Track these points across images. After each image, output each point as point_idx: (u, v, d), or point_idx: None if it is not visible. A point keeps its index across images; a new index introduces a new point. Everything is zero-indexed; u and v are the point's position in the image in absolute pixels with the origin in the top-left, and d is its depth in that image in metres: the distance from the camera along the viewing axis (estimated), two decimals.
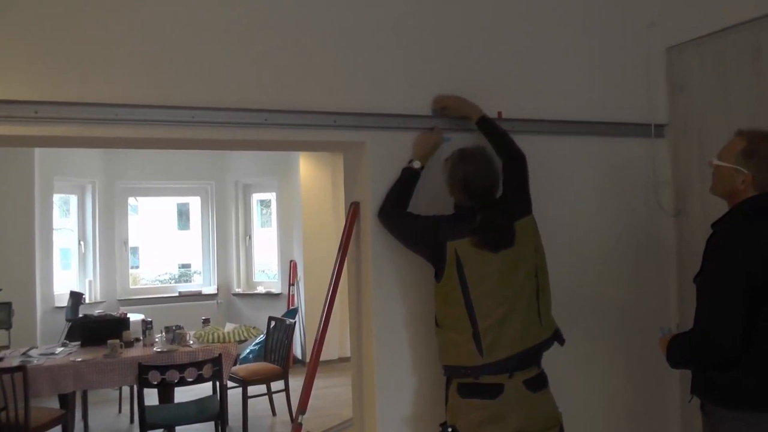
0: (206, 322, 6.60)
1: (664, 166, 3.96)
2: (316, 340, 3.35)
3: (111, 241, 8.91)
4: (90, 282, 8.67)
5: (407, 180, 3.14)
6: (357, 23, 3.24)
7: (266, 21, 3.08)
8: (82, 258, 8.67)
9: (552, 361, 2.99)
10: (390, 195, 3.14)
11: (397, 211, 3.10)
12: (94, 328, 5.90)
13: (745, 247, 2.38)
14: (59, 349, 5.64)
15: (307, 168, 8.96)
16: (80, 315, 6.83)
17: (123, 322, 6.09)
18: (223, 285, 9.52)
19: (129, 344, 5.77)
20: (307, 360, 3.33)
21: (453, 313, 2.88)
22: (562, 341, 2.99)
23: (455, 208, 3.05)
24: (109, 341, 5.46)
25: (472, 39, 3.48)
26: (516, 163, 3.11)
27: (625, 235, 3.83)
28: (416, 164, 3.14)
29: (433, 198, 3.18)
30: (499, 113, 3.39)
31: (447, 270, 2.87)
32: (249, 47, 3.03)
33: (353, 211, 3.33)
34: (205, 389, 5.99)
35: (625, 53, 3.90)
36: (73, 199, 8.70)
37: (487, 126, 3.20)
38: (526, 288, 2.87)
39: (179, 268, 9.93)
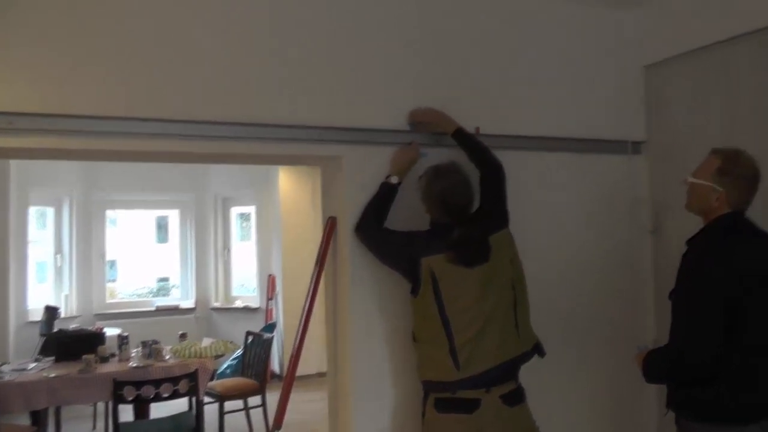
0: (183, 336, 6.55)
1: (642, 182, 4.00)
2: (292, 355, 3.33)
3: (88, 255, 8.81)
4: (66, 296, 8.57)
5: (384, 195, 3.14)
6: (335, 38, 3.25)
7: (245, 35, 3.08)
8: (59, 271, 8.57)
9: (530, 375, 2.99)
10: (367, 210, 3.14)
11: (373, 227, 3.10)
12: (68, 343, 5.83)
13: (720, 265, 2.42)
14: (32, 365, 5.55)
15: (286, 182, 8.94)
16: (55, 329, 6.73)
17: (98, 337, 6.02)
18: (201, 299, 9.45)
19: (104, 359, 5.71)
20: (285, 375, 3.32)
21: (429, 328, 2.87)
22: (542, 353, 2.98)
23: (431, 225, 3.05)
24: (84, 356, 5.40)
25: (450, 55, 3.50)
26: (493, 175, 3.11)
27: (603, 251, 3.85)
28: (393, 179, 3.14)
29: (410, 214, 3.17)
30: (477, 129, 3.40)
31: (422, 286, 2.87)
32: (228, 61, 3.03)
33: (330, 226, 3.32)
34: (181, 405, 5.91)
35: (604, 71, 3.94)
36: (50, 212, 8.60)
37: (463, 138, 3.21)
38: (502, 301, 2.87)
39: (157, 281, 9.84)
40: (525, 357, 2.92)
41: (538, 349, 2.97)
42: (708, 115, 3.62)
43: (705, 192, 2.56)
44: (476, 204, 3.03)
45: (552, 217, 3.68)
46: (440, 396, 2.83)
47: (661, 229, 3.93)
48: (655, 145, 3.98)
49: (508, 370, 2.85)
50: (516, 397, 2.86)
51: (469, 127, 3.32)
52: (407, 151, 3.22)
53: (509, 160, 3.33)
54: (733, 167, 2.53)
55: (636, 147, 3.99)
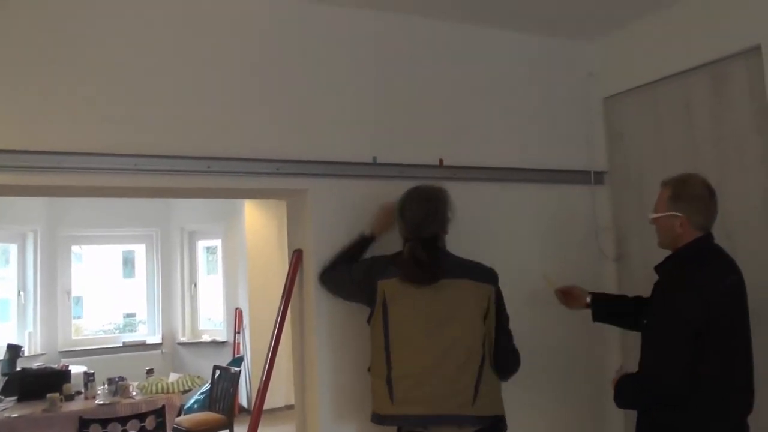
0: (150, 372, 6.47)
1: (605, 212, 4.07)
2: (259, 389, 3.32)
3: (53, 291, 8.67)
4: (30, 333, 8.39)
5: (356, 244, 3.11)
6: (300, 72, 3.29)
7: (209, 69, 3.11)
8: (22, 309, 8.41)
9: None
10: (336, 259, 3.12)
11: (340, 274, 3.05)
12: (32, 382, 5.73)
13: (688, 294, 2.48)
14: None
15: (252, 214, 8.92)
16: (18, 368, 6.61)
17: (63, 375, 5.94)
18: (168, 334, 9.33)
19: (70, 397, 5.62)
20: (253, 408, 3.32)
21: (376, 355, 2.80)
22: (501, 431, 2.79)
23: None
24: (49, 395, 5.31)
25: (414, 88, 3.55)
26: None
27: (568, 280, 3.88)
28: (367, 231, 3.12)
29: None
30: (441, 160, 3.45)
31: (375, 310, 2.79)
32: (192, 95, 3.05)
33: (296, 258, 3.33)
34: None
35: (565, 102, 4.02)
36: (13, 248, 8.46)
37: None
38: (462, 352, 2.70)
39: (124, 317, 9.70)
40: (474, 421, 2.69)
41: (495, 423, 2.76)
42: (667, 145, 3.71)
43: (667, 222, 2.64)
44: (437, 228, 2.84)
45: (516, 247, 3.72)
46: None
47: (624, 256, 4.00)
48: (617, 175, 4.06)
49: (451, 422, 2.68)
50: None
51: (433, 158, 3.38)
52: (389, 212, 3.07)
53: (472, 192, 3.39)
54: (684, 190, 2.62)
55: (598, 177, 4.06)
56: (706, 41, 3.44)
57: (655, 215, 2.69)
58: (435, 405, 2.65)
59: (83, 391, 5.84)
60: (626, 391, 2.65)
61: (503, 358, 2.82)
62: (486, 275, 2.84)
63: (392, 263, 2.83)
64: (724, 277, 2.56)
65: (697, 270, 2.53)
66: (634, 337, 3.66)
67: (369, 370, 2.88)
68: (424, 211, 2.82)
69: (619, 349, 3.97)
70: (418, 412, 2.67)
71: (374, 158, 3.36)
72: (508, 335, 2.88)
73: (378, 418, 2.78)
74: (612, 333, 3.98)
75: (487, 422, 2.71)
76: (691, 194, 2.62)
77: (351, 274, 2.99)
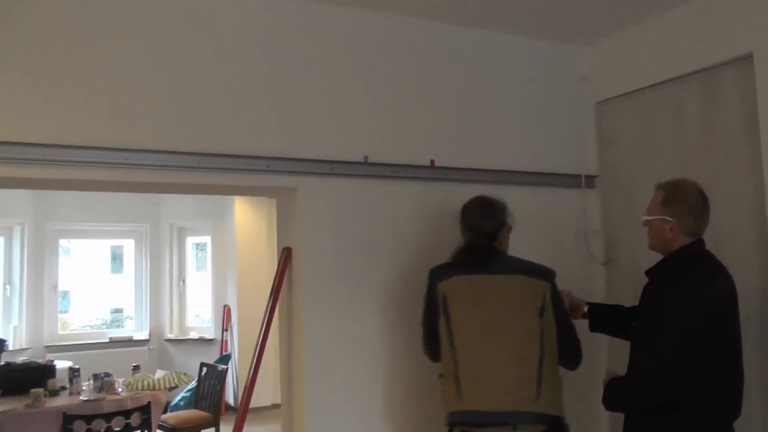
0: (136, 368, 6.42)
1: (595, 215, 4.08)
2: (246, 387, 3.31)
3: (39, 285, 8.60)
4: (15, 327, 8.34)
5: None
6: (292, 70, 3.28)
7: (201, 66, 3.09)
8: (8, 302, 8.35)
9: None
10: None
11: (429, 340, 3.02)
12: (15, 377, 5.67)
13: (678, 297, 2.47)
14: None
15: (242, 211, 8.89)
16: (2, 362, 6.55)
17: (48, 370, 5.88)
18: (156, 330, 9.28)
19: (54, 393, 5.57)
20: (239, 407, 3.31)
21: (444, 356, 2.84)
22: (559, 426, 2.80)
23: None
24: (32, 390, 5.25)
25: (406, 89, 3.56)
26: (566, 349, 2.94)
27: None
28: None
29: None
30: (432, 161, 3.45)
31: (440, 313, 2.83)
32: (183, 91, 3.04)
33: (285, 256, 3.33)
34: None
35: (558, 106, 4.03)
36: (0, 241, 8.41)
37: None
38: (522, 347, 2.74)
39: (111, 312, 9.64)
40: (534, 418, 2.70)
41: (558, 425, 2.78)
42: (658, 151, 3.73)
43: (659, 226, 2.64)
44: (493, 225, 2.95)
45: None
46: (456, 430, 2.78)
47: (614, 260, 4.01)
48: (608, 179, 4.07)
49: (520, 421, 2.68)
50: None
51: (425, 159, 3.37)
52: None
53: (463, 193, 3.36)
54: (676, 195, 2.63)
55: (589, 181, 4.07)
56: (698, 48, 3.46)
57: (647, 218, 2.70)
58: (498, 401, 2.69)
59: (68, 386, 5.78)
60: (614, 394, 2.65)
61: (565, 352, 2.88)
62: (541, 272, 2.90)
63: (449, 264, 2.92)
64: (715, 282, 2.56)
65: (688, 274, 2.54)
66: (622, 342, 3.67)
67: (440, 376, 2.88)
68: (480, 211, 2.96)
69: (607, 351, 3.98)
70: (482, 407, 2.70)
71: (365, 157, 3.35)
72: (568, 329, 2.93)
73: (448, 417, 2.80)
74: (599, 336, 3.99)
75: (547, 421, 2.72)
76: (683, 200, 2.62)
77: (426, 311, 2.98)
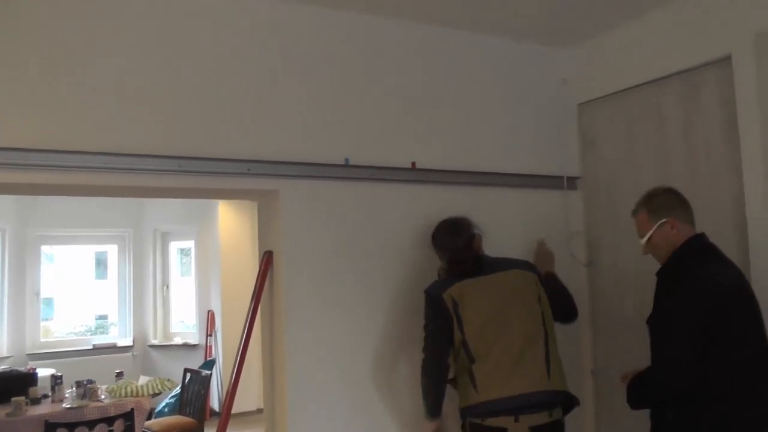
0: (119, 375, 6.39)
1: (577, 217, 4.08)
2: (228, 392, 3.29)
3: (21, 292, 8.53)
4: None
5: None
6: (272, 72, 3.27)
7: (181, 68, 3.08)
8: None
9: None
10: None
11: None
12: None
13: (692, 286, 2.50)
14: None
15: (226, 216, 8.85)
16: None
17: (29, 378, 5.83)
18: (139, 336, 9.23)
19: (36, 401, 5.53)
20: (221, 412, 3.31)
21: (461, 358, 3.00)
22: (576, 404, 3.05)
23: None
24: (13, 399, 5.21)
25: (387, 91, 3.55)
26: (561, 307, 3.30)
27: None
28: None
29: None
30: (413, 164, 3.44)
31: (452, 319, 3.01)
32: (163, 94, 3.02)
33: (267, 260, 3.31)
34: None
35: (539, 108, 4.04)
36: None
37: (554, 282, 3.42)
38: (529, 331, 2.98)
39: (96, 319, 9.56)
40: (556, 396, 2.94)
41: (569, 400, 3.01)
42: (639, 152, 3.74)
43: (659, 234, 2.68)
44: (465, 241, 3.18)
45: (488, 252, 3.71)
46: (473, 421, 2.92)
47: (596, 261, 4.02)
48: (590, 180, 4.08)
49: (536, 403, 2.87)
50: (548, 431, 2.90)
51: (406, 161, 3.37)
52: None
53: (445, 195, 3.39)
54: (655, 201, 2.70)
55: (571, 182, 4.08)
56: (678, 50, 3.48)
57: (645, 238, 2.71)
58: (514, 386, 2.87)
59: (50, 394, 5.75)
60: (635, 390, 2.67)
61: (562, 309, 3.28)
62: (528, 265, 3.24)
63: (443, 279, 3.16)
64: (729, 268, 2.59)
65: (699, 264, 2.56)
66: (606, 338, 3.70)
67: (452, 380, 3.10)
68: (448, 233, 3.22)
69: (591, 350, 4.00)
70: (501, 395, 2.86)
71: (346, 160, 3.34)
72: (561, 292, 3.35)
73: (467, 411, 2.94)
74: (585, 333, 4.01)
75: (561, 398, 2.97)
76: (663, 199, 2.70)
77: (433, 325, 3.12)
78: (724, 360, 2.42)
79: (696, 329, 2.42)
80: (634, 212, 2.77)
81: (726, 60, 3.24)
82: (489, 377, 2.89)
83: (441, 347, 3.07)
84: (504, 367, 2.90)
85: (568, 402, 3.01)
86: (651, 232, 2.68)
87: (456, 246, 3.17)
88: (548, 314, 3.09)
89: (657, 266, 2.71)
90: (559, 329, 3.81)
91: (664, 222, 2.64)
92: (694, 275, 2.54)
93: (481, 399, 2.88)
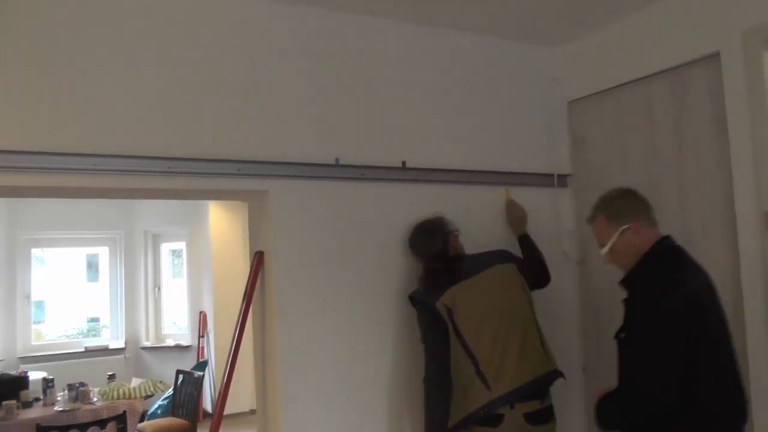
0: (112, 377, 6.39)
1: (568, 214, 4.09)
2: (220, 393, 3.29)
3: (12, 296, 8.50)
4: None
5: None
6: (261, 72, 3.26)
7: (170, 69, 3.06)
8: None
9: None
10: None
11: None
12: None
13: (670, 295, 2.29)
14: None
15: (217, 216, 8.84)
16: None
17: (21, 381, 5.82)
18: (132, 338, 9.21)
19: (27, 404, 5.52)
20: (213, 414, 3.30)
21: (462, 363, 3.06)
22: (562, 375, 3.20)
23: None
24: (4, 402, 5.20)
25: (377, 90, 3.54)
26: (536, 284, 3.44)
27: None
28: None
29: None
30: (403, 162, 3.44)
31: (449, 327, 3.09)
32: (151, 95, 3.01)
33: (257, 260, 3.31)
34: None
35: (529, 105, 4.04)
36: None
37: (528, 243, 3.60)
38: (522, 322, 3.13)
39: (88, 321, 9.53)
40: (552, 376, 3.12)
41: (560, 373, 3.18)
42: (629, 149, 3.75)
43: (622, 241, 2.49)
44: (439, 244, 3.27)
45: (479, 249, 3.71)
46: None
47: (587, 259, 4.03)
48: (580, 178, 4.09)
49: (533, 389, 3.00)
50: (540, 417, 3.01)
51: (396, 160, 3.37)
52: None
53: (436, 194, 3.38)
54: (612, 205, 2.58)
55: (562, 180, 4.09)
56: (667, 48, 3.48)
57: (607, 247, 2.53)
58: (522, 375, 2.99)
59: (42, 397, 5.74)
60: (611, 411, 2.41)
61: (536, 277, 3.45)
62: (506, 256, 3.35)
63: (428, 287, 3.22)
64: (698, 273, 2.43)
65: (669, 272, 2.38)
66: (597, 335, 3.71)
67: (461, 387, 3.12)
68: (422, 239, 3.33)
69: (581, 347, 4.01)
70: (512, 386, 2.97)
71: (337, 159, 3.34)
72: (537, 261, 3.52)
73: (479, 411, 2.98)
74: (576, 332, 4.01)
75: (557, 374, 3.15)
76: (619, 202, 2.56)
77: (429, 335, 3.21)
78: (702, 373, 2.25)
79: (678, 341, 2.23)
80: (590, 219, 2.62)
81: (714, 57, 3.24)
82: (499, 373, 2.98)
83: (443, 357, 3.12)
84: (510, 360, 3.00)
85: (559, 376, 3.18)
86: (613, 240, 2.49)
87: (430, 253, 3.28)
88: (531, 299, 3.26)
89: None
90: (553, 328, 3.86)
91: (626, 228, 2.46)
92: (666, 285, 2.33)
93: (495, 395, 2.95)
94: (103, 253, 9.45)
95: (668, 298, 2.28)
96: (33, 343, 8.73)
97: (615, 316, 3.70)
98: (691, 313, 2.26)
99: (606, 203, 2.60)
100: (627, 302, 2.43)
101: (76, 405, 5.50)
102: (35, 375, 6.40)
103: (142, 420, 6.07)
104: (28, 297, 8.70)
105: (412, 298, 3.27)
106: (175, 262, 9.68)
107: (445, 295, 3.10)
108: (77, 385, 5.78)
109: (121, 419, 5.10)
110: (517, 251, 3.57)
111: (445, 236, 3.29)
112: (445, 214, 3.39)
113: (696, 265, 2.47)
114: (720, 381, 2.31)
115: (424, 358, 3.19)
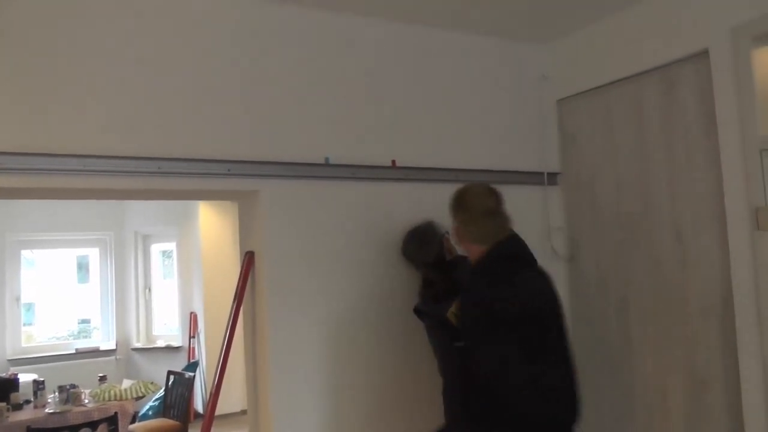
0: (103, 379, 6.37)
1: (557, 212, 4.09)
2: (211, 394, 3.28)
3: (1, 298, 8.46)
4: None
5: None
6: (252, 72, 3.25)
7: (160, 68, 3.05)
8: None
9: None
10: None
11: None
12: None
13: (469, 299, 2.62)
14: None
15: (207, 216, 8.81)
16: None
17: (11, 384, 5.78)
18: (122, 340, 9.18)
19: (18, 407, 5.49)
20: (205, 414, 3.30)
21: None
22: None
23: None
24: None
25: (366, 89, 3.54)
26: None
27: None
28: None
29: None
30: (393, 161, 3.44)
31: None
32: (142, 94, 3.00)
33: (248, 261, 3.30)
34: None
35: (519, 104, 4.04)
36: None
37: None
38: None
39: (79, 323, 9.49)
40: None
41: None
42: (618, 147, 3.75)
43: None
44: (434, 251, 3.23)
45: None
46: None
47: (576, 257, 4.03)
48: (570, 176, 4.10)
49: None
50: None
51: (386, 159, 3.36)
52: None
53: (426, 193, 3.38)
54: (453, 201, 2.84)
55: (551, 178, 4.09)
56: (656, 45, 3.49)
57: (455, 243, 2.85)
58: None
59: (32, 400, 5.71)
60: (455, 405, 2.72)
61: None
62: None
63: (428, 300, 3.17)
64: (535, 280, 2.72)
65: (480, 278, 2.65)
66: (586, 333, 3.70)
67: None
68: (418, 245, 3.30)
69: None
70: None
71: (327, 159, 3.33)
72: None
73: None
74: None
75: None
76: (458, 204, 2.83)
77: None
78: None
79: (497, 329, 2.49)
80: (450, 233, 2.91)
81: (704, 54, 3.25)
82: None
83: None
84: None
85: None
86: (458, 241, 2.80)
87: (427, 261, 3.25)
88: None
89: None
90: None
91: (455, 226, 2.74)
92: (474, 289, 2.69)
93: None
94: (93, 254, 9.41)
95: (468, 301, 2.67)
96: (23, 345, 8.69)
97: (604, 312, 3.74)
98: (481, 313, 2.56)
99: (455, 205, 2.87)
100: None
101: (67, 407, 5.48)
102: (25, 377, 6.36)
103: (133, 421, 6.05)
104: (18, 299, 8.66)
105: (419, 311, 3.22)
106: (166, 262, 9.65)
107: (454, 305, 3.06)
108: (68, 386, 5.75)
109: (112, 421, 5.10)
110: None
111: (439, 241, 3.26)
112: (434, 219, 3.34)
113: (521, 274, 2.80)
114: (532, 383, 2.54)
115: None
